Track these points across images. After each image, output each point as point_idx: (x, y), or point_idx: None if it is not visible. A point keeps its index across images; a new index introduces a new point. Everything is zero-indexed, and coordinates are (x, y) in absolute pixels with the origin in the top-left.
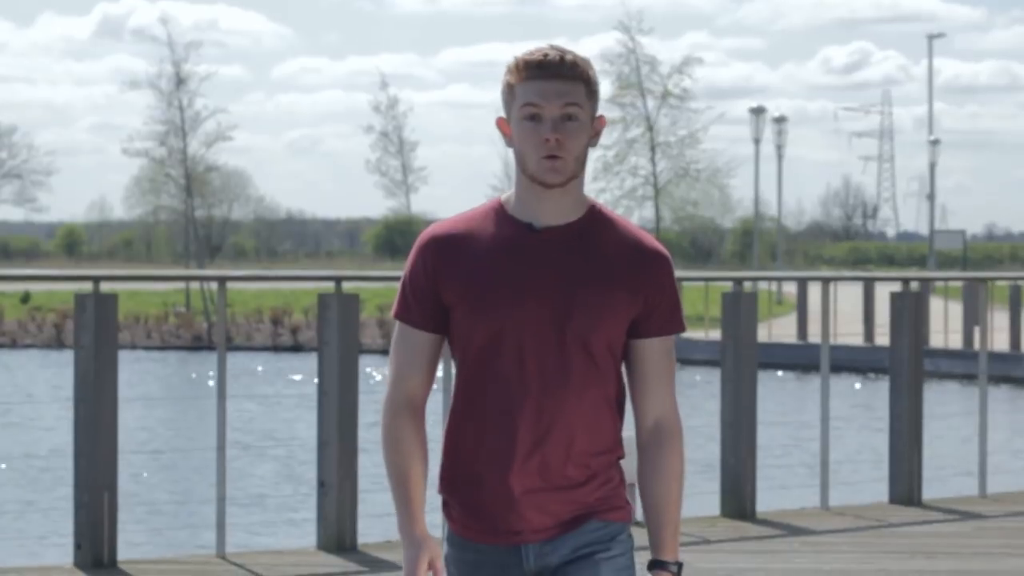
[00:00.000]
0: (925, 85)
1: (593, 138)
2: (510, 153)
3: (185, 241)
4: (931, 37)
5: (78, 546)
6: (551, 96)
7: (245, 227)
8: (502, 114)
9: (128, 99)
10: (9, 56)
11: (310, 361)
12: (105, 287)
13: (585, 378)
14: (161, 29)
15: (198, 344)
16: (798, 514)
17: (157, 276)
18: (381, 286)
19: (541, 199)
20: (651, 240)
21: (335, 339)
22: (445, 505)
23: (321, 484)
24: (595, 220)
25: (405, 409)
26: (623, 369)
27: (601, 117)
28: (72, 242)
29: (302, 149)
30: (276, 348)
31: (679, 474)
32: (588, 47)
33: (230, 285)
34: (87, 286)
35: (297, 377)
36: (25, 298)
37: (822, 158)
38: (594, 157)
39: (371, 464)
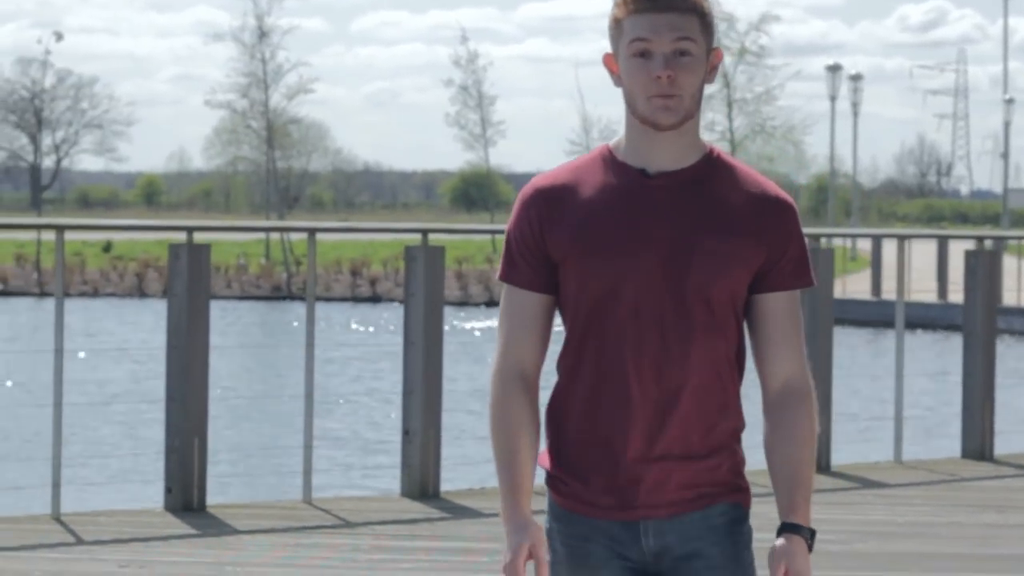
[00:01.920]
0: (1001, 44)
1: (709, 73)
2: (592, 107)
3: (266, 192)
4: None
5: (168, 490)
6: (662, 30)
7: (323, 179)
8: (597, 58)
9: (208, 51)
10: (92, 7)
11: (387, 311)
12: (182, 236)
13: (706, 334)
14: None
15: (277, 294)
16: (872, 468)
17: (249, 227)
18: (460, 239)
19: (654, 142)
20: (775, 187)
21: (421, 290)
22: (550, 477)
23: (406, 432)
24: (714, 165)
25: (515, 381)
26: (745, 328)
27: (717, 50)
28: (151, 192)
29: (380, 102)
30: (355, 299)
31: (811, 438)
32: None
33: (305, 236)
34: (179, 236)
35: (372, 329)
36: (107, 247)
37: (897, 115)
38: None
39: (455, 413)
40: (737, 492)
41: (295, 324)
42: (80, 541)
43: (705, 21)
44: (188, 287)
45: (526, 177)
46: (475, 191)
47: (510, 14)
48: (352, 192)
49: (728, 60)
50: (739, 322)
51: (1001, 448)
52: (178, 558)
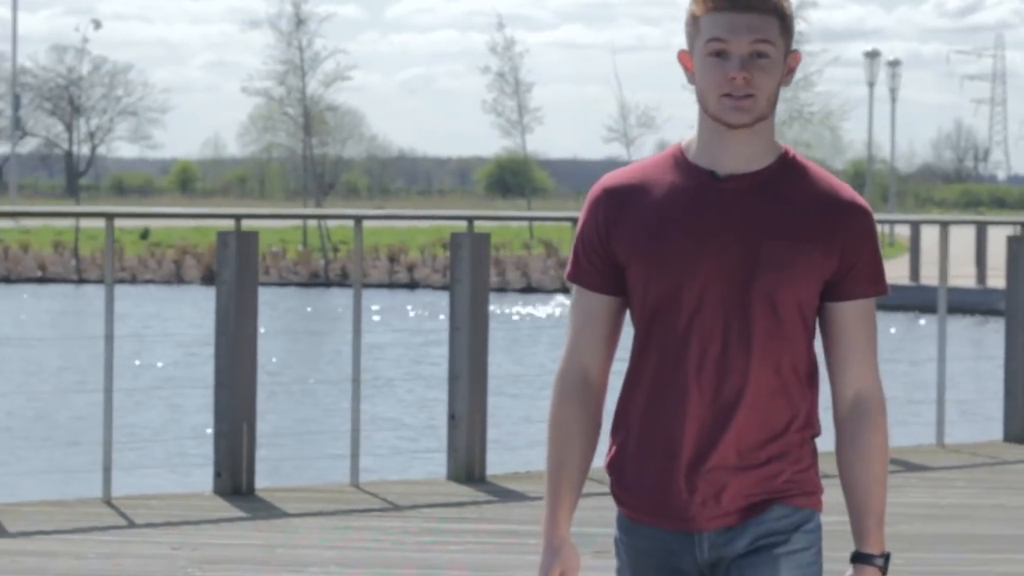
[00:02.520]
0: None
1: (787, 76)
2: (628, 94)
3: (304, 180)
4: None
5: (218, 474)
6: (740, 31)
7: (357, 165)
8: (633, 44)
9: (243, 38)
10: None
11: (421, 297)
12: (220, 223)
13: (771, 342)
14: None
15: (315, 280)
16: (914, 451)
17: (295, 214)
18: (497, 225)
19: (725, 143)
20: (849, 191)
21: (467, 277)
22: (612, 485)
23: (452, 416)
24: (787, 168)
25: (577, 387)
26: (815, 336)
27: (796, 52)
28: (186, 179)
29: (415, 88)
30: (392, 285)
31: (883, 454)
32: None
33: (343, 223)
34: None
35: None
36: (144, 234)
37: (934, 101)
38: None
39: (500, 397)
40: (800, 496)
41: (339, 310)
42: (132, 524)
43: (785, 23)
44: (237, 274)
45: (561, 163)
46: (511, 177)
47: (544, 0)
48: (387, 179)
49: None
50: (809, 330)
51: None
52: (229, 540)
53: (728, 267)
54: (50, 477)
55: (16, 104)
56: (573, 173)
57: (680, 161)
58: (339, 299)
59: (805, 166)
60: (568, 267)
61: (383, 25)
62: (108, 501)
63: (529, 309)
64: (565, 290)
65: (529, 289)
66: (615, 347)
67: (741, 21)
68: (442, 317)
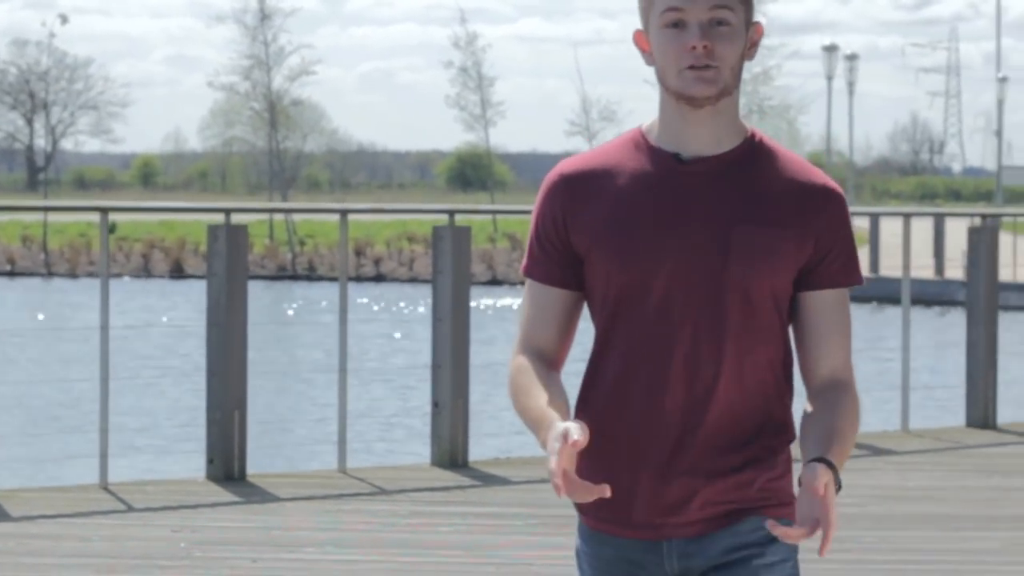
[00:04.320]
0: (993, 22)
1: (750, 49)
2: (587, 88)
3: (269, 173)
4: None
5: (210, 460)
6: None
7: (317, 159)
8: (593, 37)
9: (203, 32)
10: None
11: (388, 290)
12: (183, 218)
13: (746, 336)
14: None
15: (282, 274)
16: (881, 436)
17: (283, 208)
18: (458, 218)
19: (689, 122)
20: (822, 175)
21: (449, 268)
22: None
23: (435, 404)
24: (755, 150)
25: (533, 357)
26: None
27: (758, 25)
28: (148, 173)
29: (374, 82)
30: (359, 279)
31: (854, 416)
32: None
33: (309, 217)
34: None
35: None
36: (112, 228)
37: (890, 93)
38: None
39: (482, 384)
40: (775, 507)
41: (312, 303)
42: (131, 508)
43: None
44: (227, 266)
45: (522, 157)
46: (471, 171)
47: None
48: (348, 173)
49: None
50: (784, 323)
51: (1003, 417)
52: (226, 523)
53: (698, 256)
54: (45, 464)
55: None
56: (533, 166)
57: (641, 145)
58: (307, 291)
59: (774, 148)
60: (524, 260)
61: (342, 19)
62: (105, 487)
63: (500, 301)
64: None
65: (494, 282)
66: (570, 345)
67: None
68: (403, 307)
